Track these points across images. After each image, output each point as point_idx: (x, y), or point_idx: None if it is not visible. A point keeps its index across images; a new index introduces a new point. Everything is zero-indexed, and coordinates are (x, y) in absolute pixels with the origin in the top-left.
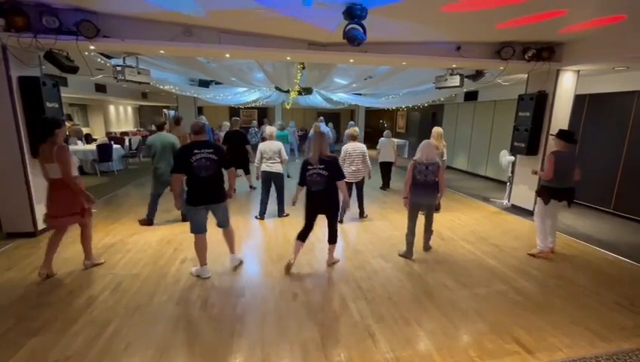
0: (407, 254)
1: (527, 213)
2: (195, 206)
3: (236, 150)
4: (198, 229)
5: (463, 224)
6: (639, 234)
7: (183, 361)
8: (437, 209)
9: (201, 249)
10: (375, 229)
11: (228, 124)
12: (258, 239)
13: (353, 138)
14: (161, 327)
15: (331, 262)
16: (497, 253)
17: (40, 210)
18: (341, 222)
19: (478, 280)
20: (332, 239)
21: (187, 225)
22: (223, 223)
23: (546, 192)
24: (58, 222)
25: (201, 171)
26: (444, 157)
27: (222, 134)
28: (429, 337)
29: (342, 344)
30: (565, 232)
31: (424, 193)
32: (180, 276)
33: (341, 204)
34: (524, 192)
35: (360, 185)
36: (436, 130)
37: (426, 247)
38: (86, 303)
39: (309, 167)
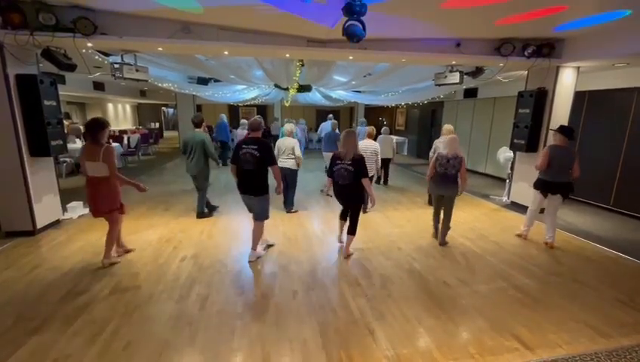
0: (434, 235)
1: (527, 210)
2: (240, 193)
3: None
4: (249, 212)
5: (462, 221)
6: (638, 230)
7: (183, 359)
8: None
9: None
10: (375, 226)
11: (246, 121)
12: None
13: (370, 136)
14: (161, 326)
15: (347, 254)
16: (497, 250)
17: (39, 209)
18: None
19: (477, 278)
20: (351, 231)
21: (186, 222)
22: (255, 216)
23: (541, 185)
24: (103, 215)
25: (245, 164)
26: None
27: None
28: (429, 334)
29: (342, 341)
30: (565, 229)
31: (441, 183)
32: (180, 274)
33: (367, 198)
34: (523, 189)
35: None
36: (447, 127)
37: (442, 242)
38: (85, 302)
39: (338, 161)
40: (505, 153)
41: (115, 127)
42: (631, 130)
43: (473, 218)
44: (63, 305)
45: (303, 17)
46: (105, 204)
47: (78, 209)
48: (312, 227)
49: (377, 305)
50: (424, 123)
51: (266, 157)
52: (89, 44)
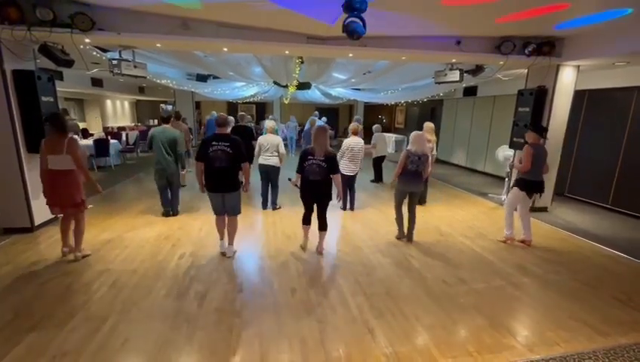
0: (400, 235)
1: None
2: (210, 192)
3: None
4: (215, 212)
5: (461, 219)
6: (637, 229)
7: (181, 357)
8: (423, 201)
9: (217, 226)
10: (373, 225)
11: (232, 118)
12: (257, 234)
13: (355, 133)
14: (159, 323)
15: (321, 249)
16: (495, 248)
17: (37, 206)
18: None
19: (476, 276)
20: (323, 226)
21: (184, 220)
22: (231, 211)
23: (525, 185)
24: (62, 210)
25: (216, 162)
26: (434, 151)
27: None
28: (427, 332)
29: (341, 339)
30: (564, 228)
31: (413, 181)
32: (178, 271)
33: (336, 194)
34: None
35: (354, 179)
36: (428, 124)
37: (411, 238)
38: (83, 299)
39: (310, 157)
40: (504, 151)
41: (113, 123)
42: (630, 129)
43: (472, 216)
44: (60, 301)
45: (303, 14)
46: (71, 197)
47: None
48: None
49: (376, 303)
50: (424, 121)
51: (238, 154)
52: (87, 40)
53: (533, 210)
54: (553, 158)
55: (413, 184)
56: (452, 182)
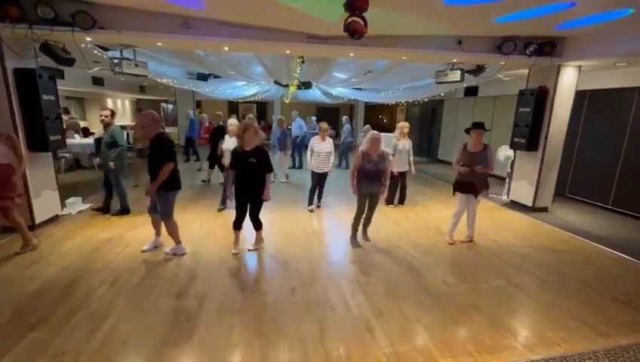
0: (354, 242)
1: (526, 209)
2: (177, 190)
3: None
4: (171, 214)
5: (461, 219)
6: (638, 230)
7: (181, 355)
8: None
9: (175, 228)
10: (373, 224)
11: (205, 115)
12: (254, 234)
13: (326, 132)
14: (160, 321)
15: (256, 247)
16: (496, 248)
17: (38, 204)
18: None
19: (476, 276)
20: (259, 226)
21: (184, 218)
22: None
23: (487, 184)
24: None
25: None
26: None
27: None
28: (427, 332)
29: (340, 338)
30: (564, 228)
31: (373, 181)
32: (179, 270)
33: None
34: (523, 188)
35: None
36: (405, 124)
37: (366, 236)
38: (84, 297)
39: (245, 155)
40: (505, 151)
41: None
42: (631, 130)
43: None
44: (61, 300)
45: (303, 13)
46: (13, 189)
47: (76, 205)
48: (310, 225)
49: (376, 303)
50: (424, 121)
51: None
52: (88, 39)
53: (534, 210)
54: (554, 159)
55: (372, 185)
56: (452, 181)
